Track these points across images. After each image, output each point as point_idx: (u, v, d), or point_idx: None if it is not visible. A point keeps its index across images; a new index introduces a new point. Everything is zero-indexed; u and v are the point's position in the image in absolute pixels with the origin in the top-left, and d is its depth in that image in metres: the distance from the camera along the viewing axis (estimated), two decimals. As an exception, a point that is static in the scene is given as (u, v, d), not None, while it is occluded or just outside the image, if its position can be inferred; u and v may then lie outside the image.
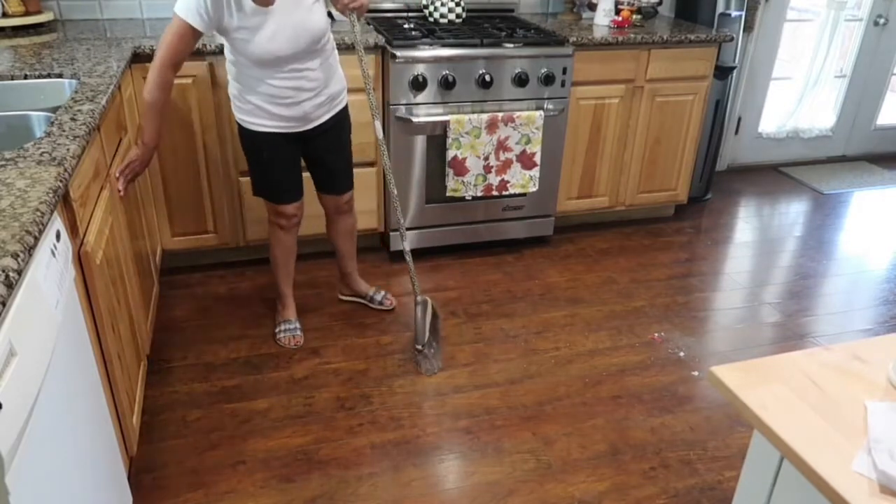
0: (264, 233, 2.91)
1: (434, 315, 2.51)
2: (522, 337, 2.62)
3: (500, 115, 2.82)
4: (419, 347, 2.43)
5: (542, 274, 3.06)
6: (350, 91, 2.76)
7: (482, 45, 2.81)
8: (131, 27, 2.85)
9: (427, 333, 2.45)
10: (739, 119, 4.27)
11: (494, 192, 2.96)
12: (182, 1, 1.95)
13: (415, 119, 2.77)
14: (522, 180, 2.97)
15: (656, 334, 2.65)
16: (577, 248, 3.31)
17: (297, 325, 2.56)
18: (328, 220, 2.58)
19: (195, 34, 1.98)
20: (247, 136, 2.25)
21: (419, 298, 2.48)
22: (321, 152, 2.36)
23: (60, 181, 1.34)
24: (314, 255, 3.09)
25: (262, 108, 2.16)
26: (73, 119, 1.65)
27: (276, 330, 2.55)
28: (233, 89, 2.20)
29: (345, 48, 2.68)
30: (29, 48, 2.46)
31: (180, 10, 1.95)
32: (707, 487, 1.98)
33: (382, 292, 2.77)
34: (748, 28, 3.86)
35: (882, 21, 4.26)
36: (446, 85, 2.76)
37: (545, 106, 2.92)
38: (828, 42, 4.26)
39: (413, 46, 2.74)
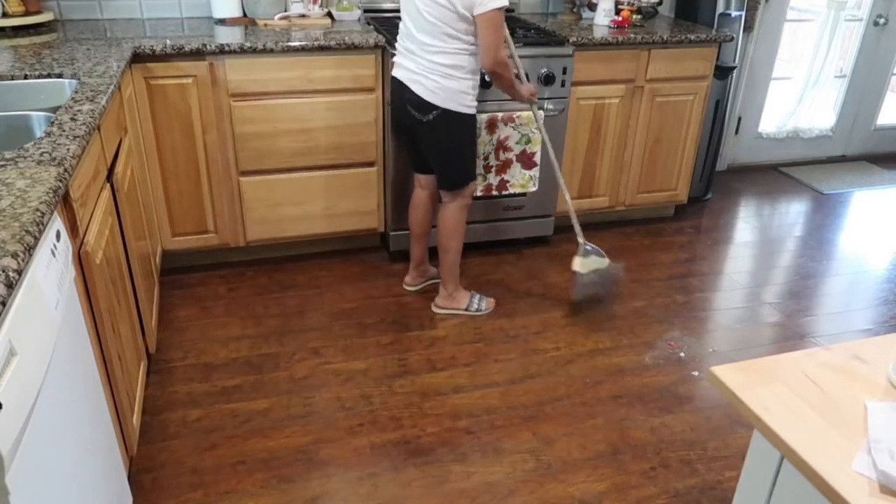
0: (264, 233, 2.92)
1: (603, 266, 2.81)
2: (522, 337, 2.62)
3: (500, 114, 2.81)
4: (581, 240, 2.76)
5: (542, 274, 3.06)
6: (354, 91, 2.78)
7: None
8: (131, 27, 2.85)
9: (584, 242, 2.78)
10: (739, 119, 4.27)
11: (494, 192, 2.96)
12: None
13: (415, 119, 2.77)
14: (522, 180, 2.97)
15: (672, 341, 2.63)
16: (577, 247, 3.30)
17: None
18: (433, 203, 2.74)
19: None
20: (475, 122, 2.47)
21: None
22: None
23: (60, 181, 1.34)
24: (314, 256, 3.09)
25: (476, 88, 2.40)
26: (73, 119, 1.65)
27: (475, 306, 2.73)
28: (462, 84, 2.33)
29: (344, 48, 2.69)
30: (29, 48, 2.46)
31: (503, 1, 2.16)
32: (707, 487, 1.98)
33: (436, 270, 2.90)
34: (748, 28, 3.86)
35: (882, 21, 4.26)
36: (446, 85, 2.76)
37: (545, 106, 2.92)
38: (828, 42, 4.26)
39: (413, 46, 2.74)
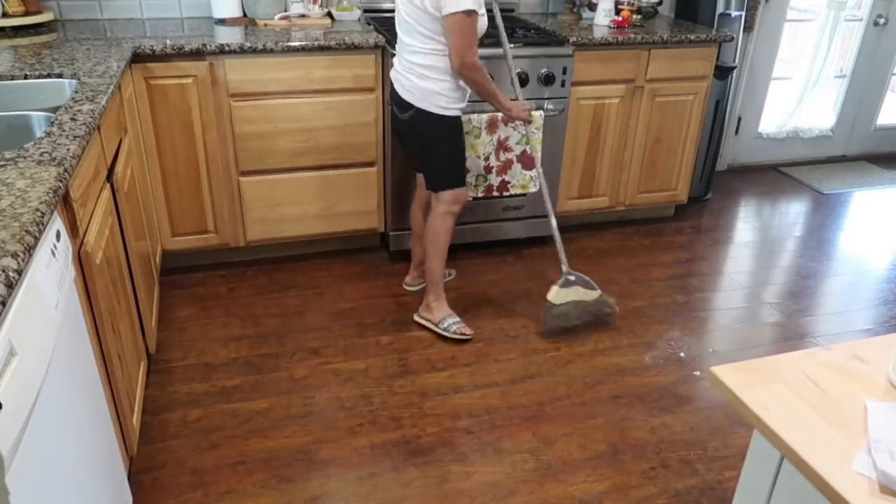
0: (264, 233, 2.92)
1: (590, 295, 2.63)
2: (522, 337, 2.62)
3: (500, 114, 2.81)
4: (565, 269, 2.59)
5: (542, 274, 3.06)
6: (354, 91, 2.78)
7: (482, 45, 2.79)
8: (131, 27, 2.85)
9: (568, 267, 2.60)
10: (739, 119, 4.27)
11: (495, 193, 2.96)
12: None
13: (415, 119, 2.77)
14: (523, 180, 2.97)
15: (672, 341, 2.64)
16: (577, 247, 3.31)
17: (460, 318, 2.63)
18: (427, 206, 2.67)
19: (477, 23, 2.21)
20: (455, 124, 2.40)
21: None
22: None
23: (60, 181, 1.34)
24: (314, 256, 3.09)
25: (461, 89, 2.37)
26: (73, 119, 1.65)
27: (445, 325, 2.57)
28: (437, 86, 2.30)
29: (344, 48, 2.69)
30: (29, 48, 2.46)
31: (469, 4, 2.12)
32: (707, 487, 1.98)
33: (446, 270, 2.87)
34: (748, 28, 3.86)
35: (882, 21, 4.26)
36: (446, 85, 2.76)
37: (545, 106, 2.92)
38: (828, 42, 4.26)
39: (413, 46, 2.74)
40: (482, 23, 2.26)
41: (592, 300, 2.63)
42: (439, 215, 2.50)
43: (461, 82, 2.34)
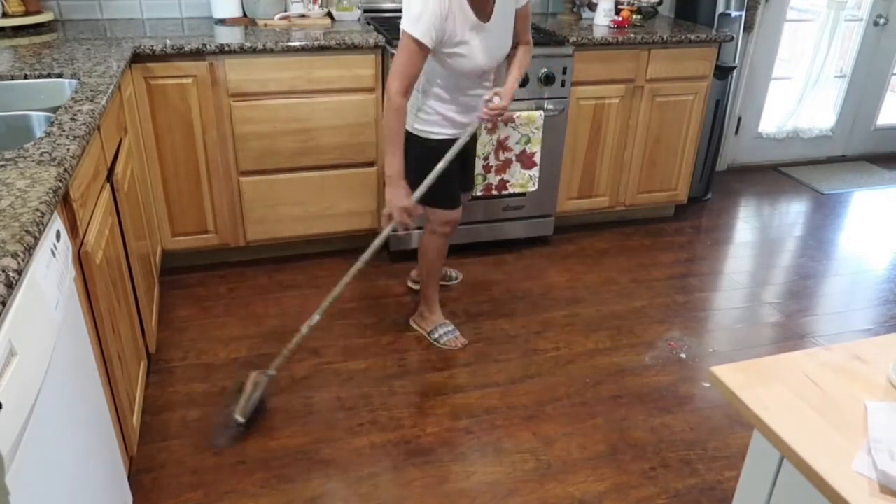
0: (264, 233, 2.92)
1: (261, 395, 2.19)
2: (522, 337, 2.62)
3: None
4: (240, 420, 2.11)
5: (542, 274, 3.06)
6: (354, 91, 2.78)
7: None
8: (131, 27, 2.85)
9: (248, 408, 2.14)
10: (739, 119, 4.27)
11: (494, 192, 2.96)
12: (412, 20, 1.95)
13: (415, 119, 2.76)
14: (522, 180, 2.97)
15: (672, 341, 2.64)
16: (577, 248, 3.31)
17: (455, 327, 2.60)
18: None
19: (426, 55, 2.01)
20: (428, 146, 2.23)
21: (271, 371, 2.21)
22: (468, 154, 2.50)
23: (60, 181, 1.34)
24: (316, 256, 3.09)
25: (448, 117, 2.22)
26: (73, 119, 1.65)
27: (437, 335, 2.55)
28: (414, 101, 2.19)
29: (344, 48, 2.69)
30: (29, 48, 2.46)
31: (414, 31, 1.95)
32: (707, 487, 1.98)
33: (453, 272, 2.98)
34: (748, 28, 3.86)
35: (882, 21, 4.26)
36: (446, 85, 2.76)
37: (545, 106, 2.92)
38: (828, 42, 4.26)
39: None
40: (465, 64, 2.09)
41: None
42: (428, 231, 2.46)
43: (446, 106, 2.20)
